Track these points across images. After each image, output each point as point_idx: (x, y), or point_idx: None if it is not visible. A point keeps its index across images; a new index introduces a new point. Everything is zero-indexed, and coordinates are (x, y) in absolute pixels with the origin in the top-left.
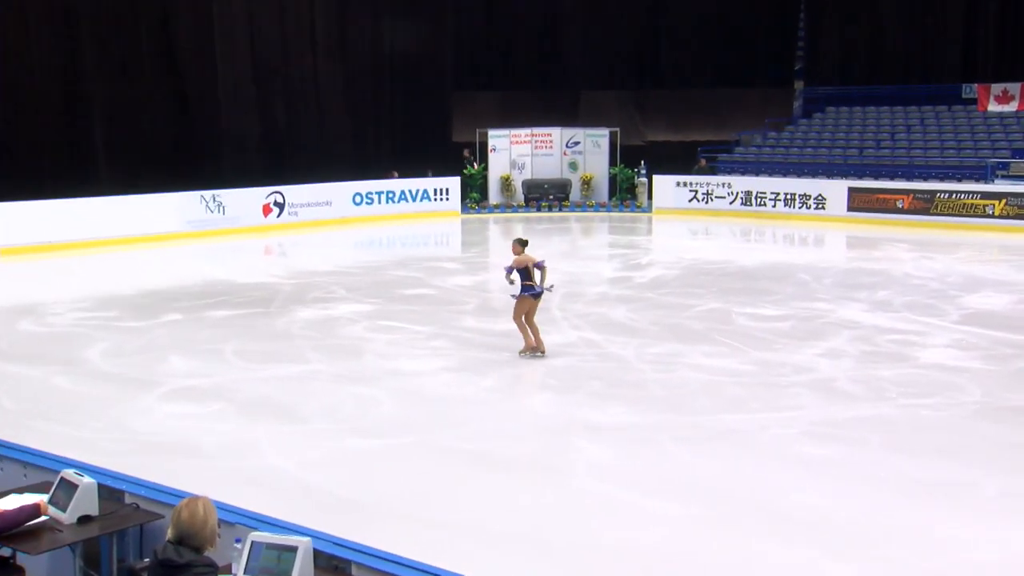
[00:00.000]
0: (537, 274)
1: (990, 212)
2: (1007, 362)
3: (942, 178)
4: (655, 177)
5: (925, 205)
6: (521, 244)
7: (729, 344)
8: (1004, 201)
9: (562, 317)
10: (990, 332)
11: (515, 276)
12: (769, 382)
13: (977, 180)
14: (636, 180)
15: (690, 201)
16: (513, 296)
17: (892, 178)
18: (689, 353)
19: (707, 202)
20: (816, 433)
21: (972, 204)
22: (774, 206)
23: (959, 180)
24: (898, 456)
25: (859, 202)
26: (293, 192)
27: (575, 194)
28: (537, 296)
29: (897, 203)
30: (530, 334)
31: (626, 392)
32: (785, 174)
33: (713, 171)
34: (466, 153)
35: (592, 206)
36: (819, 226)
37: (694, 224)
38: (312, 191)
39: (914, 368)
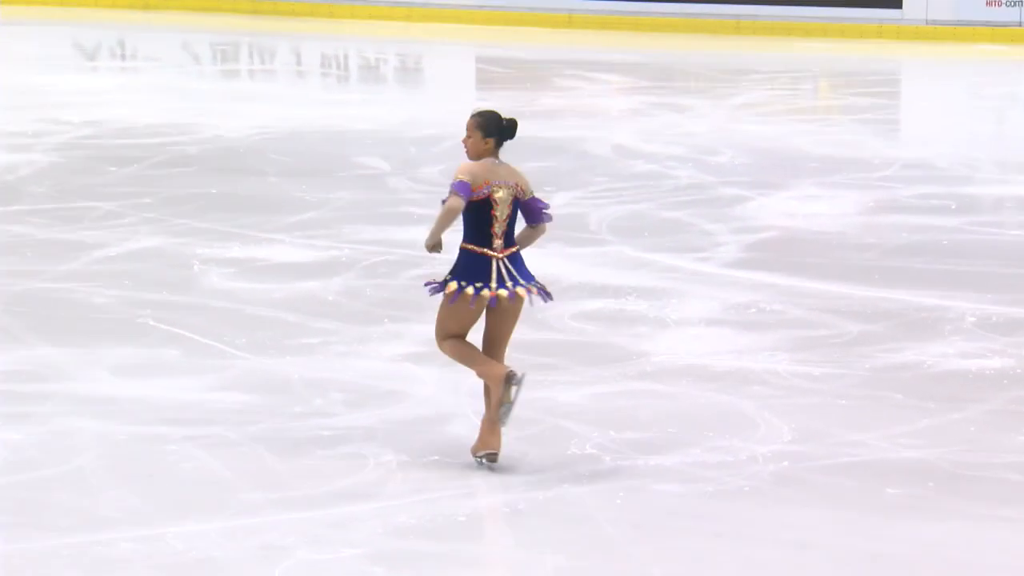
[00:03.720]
0: (497, 227)
1: None
2: (848, 356)
3: None
4: None
5: None
6: (486, 124)
7: None
8: None
9: None
10: (808, 284)
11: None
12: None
13: None
14: None
15: None
16: (434, 285)
17: None
18: None
19: None
20: None
21: None
22: None
23: None
24: None
25: None
26: None
27: None
28: (494, 300)
29: None
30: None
31: None
32: None
33: None
34: None
35: None
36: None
37: None
38: None
39: (642, 381)
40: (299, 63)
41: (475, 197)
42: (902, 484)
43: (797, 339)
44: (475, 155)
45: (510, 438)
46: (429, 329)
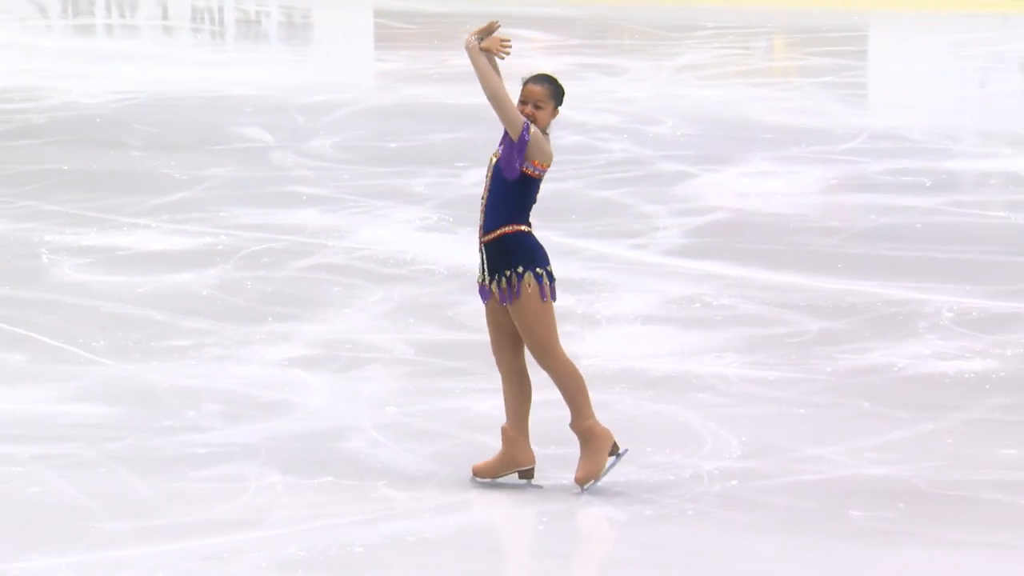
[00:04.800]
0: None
1: None
2: (807, 358)
3: None
4: None
5: None
6: (559, 92)
7: None
8: None
9: None
10: (762, 274)
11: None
12: None
13: None
14: None
15: None
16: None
17: None
18: None
19: None
20: None
21: None
22: None
23: None
24: None
25: None
26: None
27: None
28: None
29: None
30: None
31: None
32: None
33: None
34: None
35: None
36: None
37: None
38: None
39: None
40: (166, 16)
41: (530, 171)
42: (869, 506)
43: (749, 338)
44: (543, 129)
45: (417, 455)
46: (320, 328)
